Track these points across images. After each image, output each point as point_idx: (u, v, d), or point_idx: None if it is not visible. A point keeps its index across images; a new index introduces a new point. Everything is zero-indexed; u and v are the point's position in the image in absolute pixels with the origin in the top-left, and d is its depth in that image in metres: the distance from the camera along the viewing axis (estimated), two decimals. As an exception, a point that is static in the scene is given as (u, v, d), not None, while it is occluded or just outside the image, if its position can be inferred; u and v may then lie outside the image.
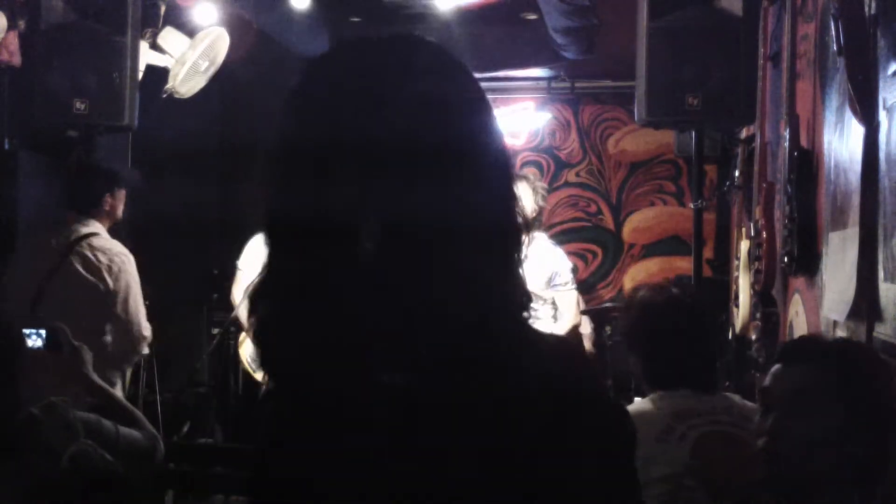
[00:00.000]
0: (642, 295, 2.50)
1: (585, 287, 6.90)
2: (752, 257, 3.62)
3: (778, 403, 1.69)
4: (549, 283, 4.69)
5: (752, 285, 3.71)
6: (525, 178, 4.73)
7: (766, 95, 3.73)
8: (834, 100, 2.81)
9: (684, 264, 6.29)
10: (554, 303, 4.74)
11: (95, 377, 2.72)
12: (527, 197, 4.66)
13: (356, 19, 6.39)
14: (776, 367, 1.73)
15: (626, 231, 7.28)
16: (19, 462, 2.01)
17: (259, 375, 5.28)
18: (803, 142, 3.18)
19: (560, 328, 4.70)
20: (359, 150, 0.91)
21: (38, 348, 2.54)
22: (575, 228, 7.24)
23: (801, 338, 2.48)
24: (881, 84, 2.31)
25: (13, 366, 2.09)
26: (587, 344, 5.75)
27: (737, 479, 2.02)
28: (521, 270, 0.98)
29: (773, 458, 1.67)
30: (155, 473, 3.60)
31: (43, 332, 2.57)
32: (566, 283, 4.68)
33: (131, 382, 5.62)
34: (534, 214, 4.71)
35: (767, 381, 1.74)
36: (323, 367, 0.93)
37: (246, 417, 5.87)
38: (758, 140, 3.78)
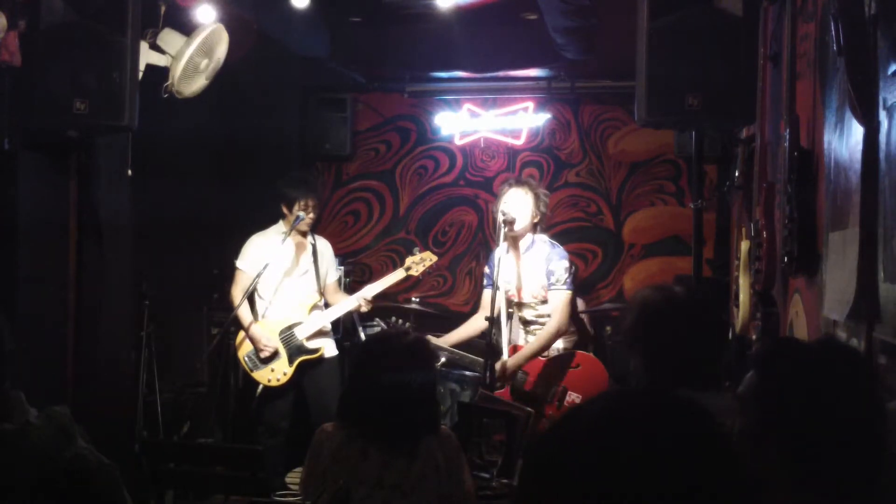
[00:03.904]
0: (643, 293, 2.50)
1: (585, 287, 6.90)
2: (752, 257, 3.62)
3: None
4: (548, 283, 4.68)
5: (752, 285, 3.70)
6: (526, 183, 4.72)
7: (766, 95, 3.73)
8: (834, 100, 2.81)
9: (684, 264, 6.28)
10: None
11: None
12: (527, 203, 4.66)
13: (356, 19, 6.39)
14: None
15: (626, 231, 7.28)
16: (18, 468, 2.01)
17: (256, 374, 5.28)
18: (803, 142, 3.18)
19: (545, 331, 4.65)
20: None
21: None
22: (575, 228, 7.23)
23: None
24: (881, 84, 2.31)
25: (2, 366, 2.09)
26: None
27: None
28: None
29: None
30: (154, 473, 3.59)
31: None
32: (557, 282, 4.65)
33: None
34: (536, 220, 4.71)
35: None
36: None
37: (244, 417, 5.87)
38: (758, 140, 3.77)
